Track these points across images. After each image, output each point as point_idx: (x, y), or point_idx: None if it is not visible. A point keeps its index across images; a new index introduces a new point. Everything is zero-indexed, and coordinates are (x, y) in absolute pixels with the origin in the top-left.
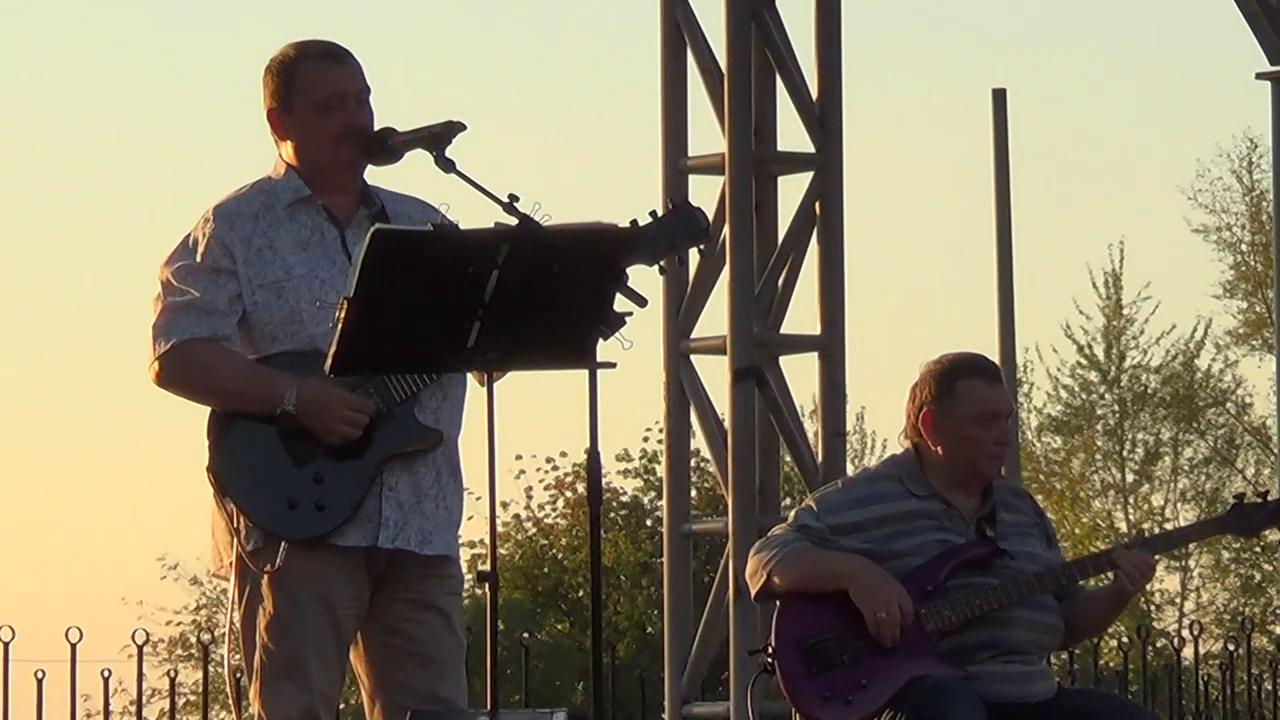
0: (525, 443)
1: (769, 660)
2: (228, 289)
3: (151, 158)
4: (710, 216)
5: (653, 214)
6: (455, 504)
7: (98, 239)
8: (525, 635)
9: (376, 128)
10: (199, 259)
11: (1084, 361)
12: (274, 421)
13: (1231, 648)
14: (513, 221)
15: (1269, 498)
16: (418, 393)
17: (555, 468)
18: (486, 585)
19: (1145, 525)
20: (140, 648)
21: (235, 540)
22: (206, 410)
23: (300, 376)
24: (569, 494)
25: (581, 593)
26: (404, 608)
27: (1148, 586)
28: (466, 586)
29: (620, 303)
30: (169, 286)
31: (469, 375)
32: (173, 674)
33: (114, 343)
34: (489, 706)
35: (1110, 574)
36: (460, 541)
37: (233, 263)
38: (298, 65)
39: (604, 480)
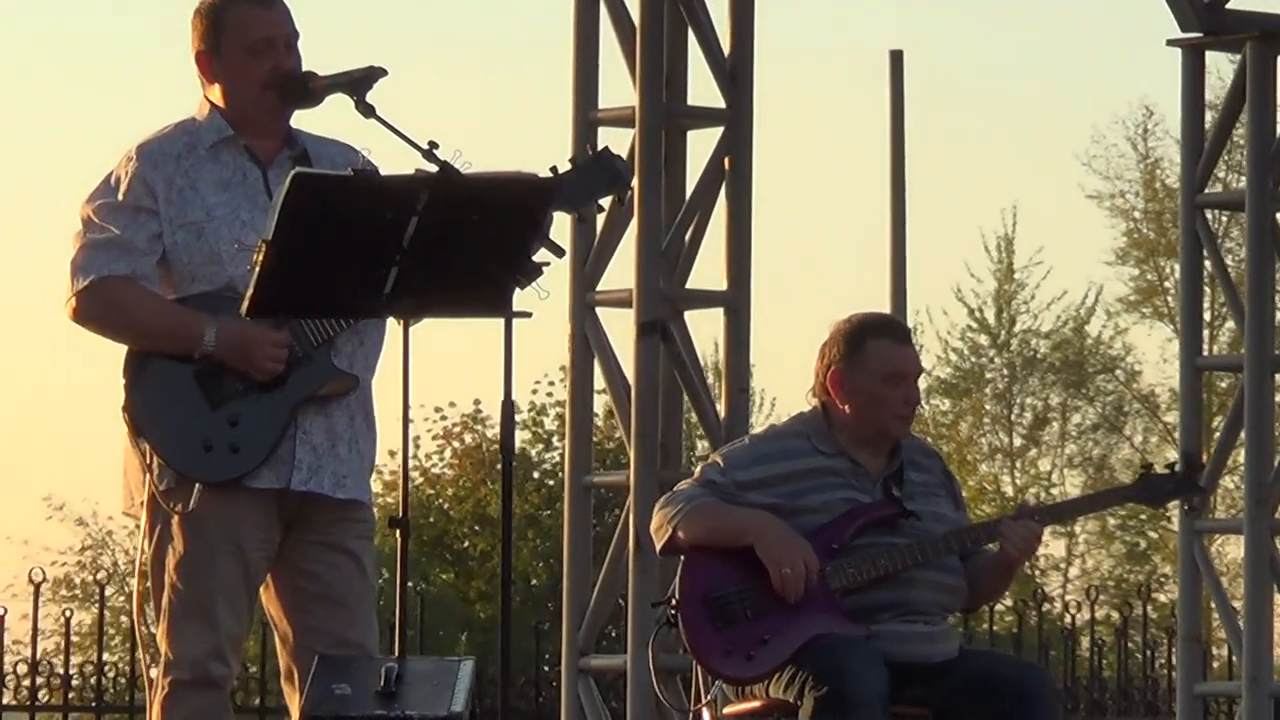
0: (413, 392)
1: (672, 613)
2: (148, 228)
3: (71, 93)
4: None
5: (572, 161)
6: (368, 449)
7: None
8: (421, 585)
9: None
10: (121, 197)
11: (974, 325)
12: (192, 362)
13: (1122, 615)
14: (433, 169)
15: (1175, 469)
16: (333, 337)
17: (444, 418)
18: (398, 532)
19: (1032, 490)
20: (37, 586)
21: (148, 479)
22: (113, 349)
23: (217, 317)
24: (456, 444)
25: (467, 543)
26: (315, 550)
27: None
28: None
29: (538, 253)
30: (89, 223)
31: (388, 321)
32: (67, 614)
33: None
34: (395, 653)
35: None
36: None
37: (154, 202)
38: (227, 9)
39: (494, 431)
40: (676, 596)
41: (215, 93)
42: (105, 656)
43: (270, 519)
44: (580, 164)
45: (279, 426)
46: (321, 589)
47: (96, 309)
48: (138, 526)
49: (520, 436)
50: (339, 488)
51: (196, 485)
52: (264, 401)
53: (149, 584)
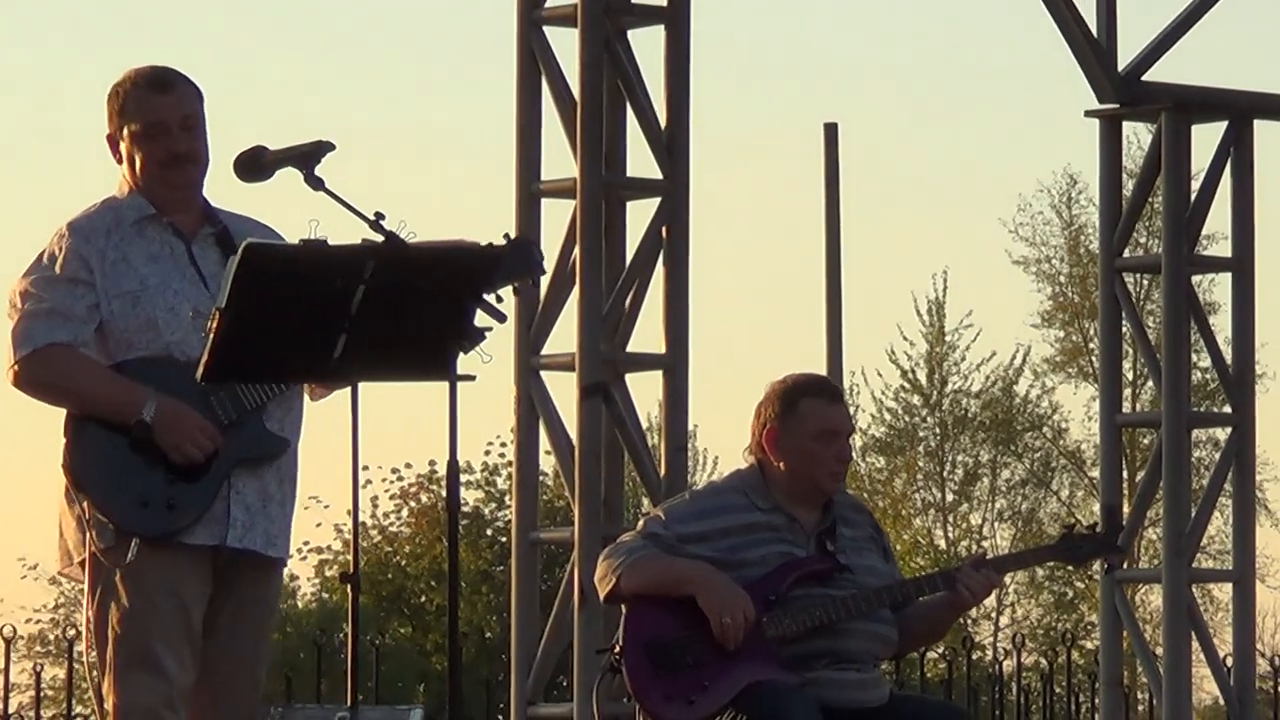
0: (370, 454)
1: (615, 659)
2: (86, 299)
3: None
4: (561, 239)
5: (505, 236)
6: (291, 509)
7: None
8: (377, 638)
9: (249, 146)
10: (58, 270)
11: (907, 385)
12: (126, 431)
13: (1048, 661)
14: (378, 238)
15: (1096, 529)
16: (265, 403)
17: (400, 478)
18: (348, 588)
19: (963, 543)
20: (8, 642)
21: (87, 537)
22: (63, 413)
23: (155, 390)
24: (413, 504)
25: (424, 598)
26: (230, 608)
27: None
28: (314, 592)
29: (480, 318)
30: (27, 295)
31: (304, 389)
32: (37, 668)
33: None
34: (349, 703)
35: (945, 590)
36: (309, 547)
37: (90, 274)
38: (128, 92)
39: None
40: (620, 644)
41: (127, 171)
42: (76, 708)
43: (206, 573)
44: (499, 249)
45: (213, 486)
46: (229, 650)
47: (39, 374)
48: (73, 585)
49: (474, 495)
50: (270, 546)
51: (134, 540)
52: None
53: (94, 641)
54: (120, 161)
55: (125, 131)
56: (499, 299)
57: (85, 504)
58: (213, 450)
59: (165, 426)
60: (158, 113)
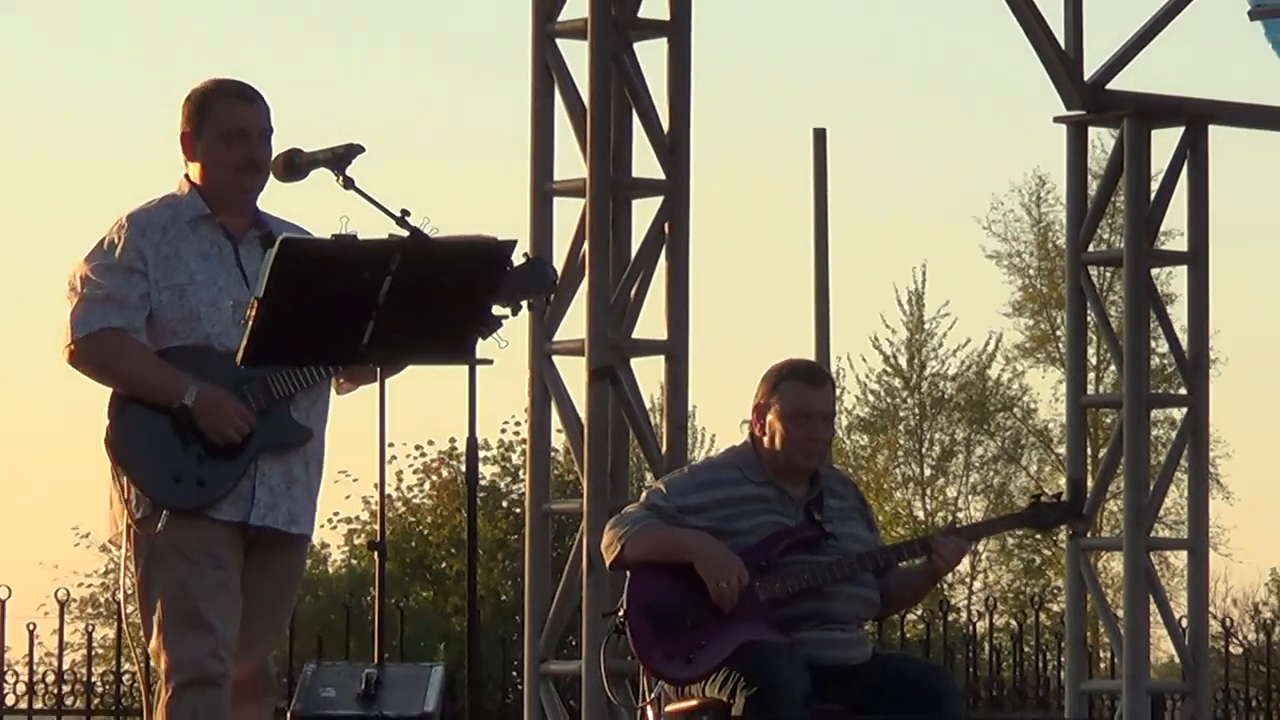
0: (395, 432)
1: (620, 622)
2: (139, 287)
3: (68, 170)
4: (571, 235)
5: (525, 255)
6: (317, 491)
7: (22, 241)
8: (402, 601)
9: (286, 149)
10: (116, 258)
11: (889, 370)
12: (168, 411)
13: (1018, 622)
14: (404, 233)
15: (1061, 499)
16: (294, 394)
17: (423, 454)
18: (375, 555)
19: (940, 514)
20: (62, 605)
21: (126, 509)
22: (109, 391)
23: (198, 378)
24: (435, 478)
25: (445, 565)
26: (253, 575)
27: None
28: (343, 558)
29: (497, 308)
30: (87, 280)
31: (331, 384)
32: (89, 629)
33: (31, 340)
34: (376, 660)
35: (922, 557)
36: (339, 518)
37: (144, 265)
38: (214, 98)
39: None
40: (624, 607)
41: (194, 170)
42: (124, 666)
43: (237, 543)
44: (517, 267)
45: (241, 467)
46: (258, 608)
47: (94, 356)
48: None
49: (490, 470)
50: (292, 523)
51: (165, 512)
52: (229, 447)
53: (138, 605)
54: (190, 158)
55: (205, 133)
56: (516, 310)
57: (124, 478)
58: (248, 431)
59: (205, 411)
60: (242, 120)
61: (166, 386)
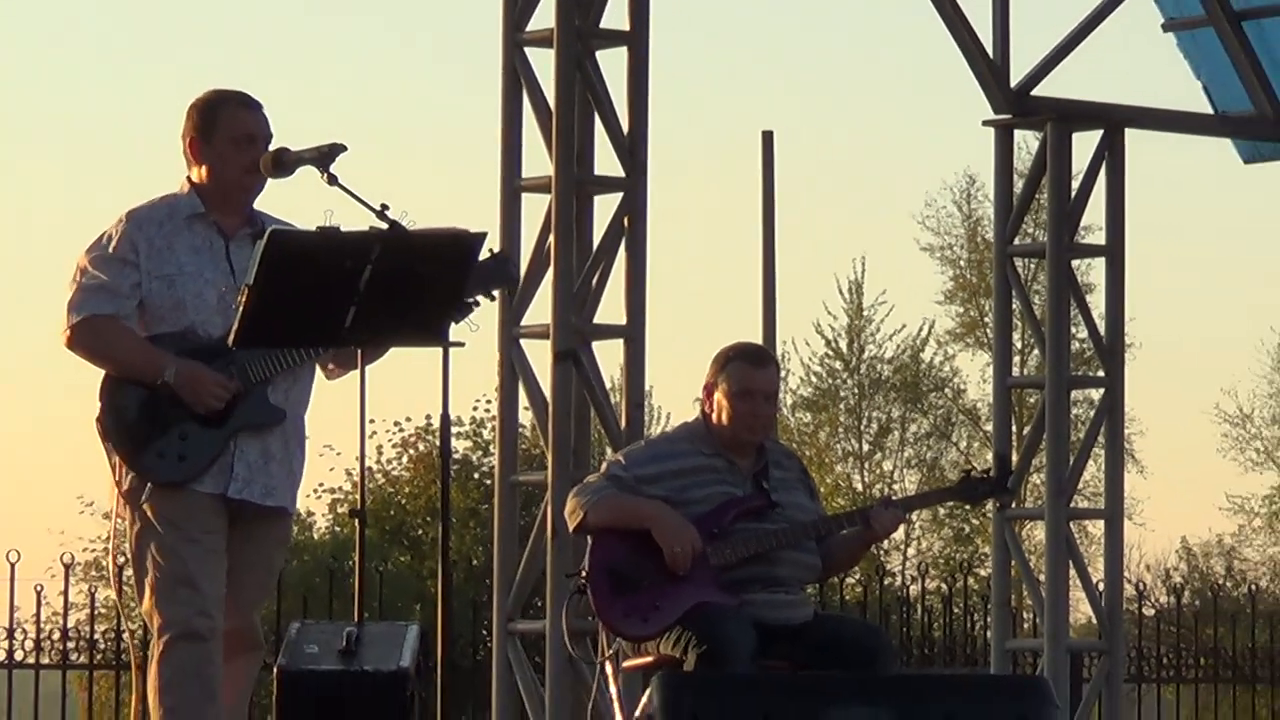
0: (375, 409)
1: (582, 583)
2: (131, 277)
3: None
4: (538, 228)
5: (490, 251)
6: (298, 467)
7: (27, 233)
8: (381, 565)
9: (275, 148)
10: (111, 250)
11: (830, 353)
12: (153, 390)
13: (948, 586)
14: (383, 226)
15: (989, 473)
16: (270, 378)
17: (401, 430)
18: (356, 522)
19: (877, 487)
20: (67, 568)
21: (115, 481)
22: (102, 374)
23: (178, 357)
24: (412, 451)
25: (421, 531)
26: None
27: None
28: (327, 525)
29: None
30: (85, 271)
31: (315, 368)
32: (92, 590)
33: (41, 327)
34: (356, 619)
35: (860, 526)
36: (323, 488)
37: (137, 257)
38: (221, 106)
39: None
40: (586, 570)
41: (198, 173)
42: (124, 625)
43: (221, 511)
44: (483, 262)
45: (220, 444)
46: (243, 570)
47: (85, 339)
48: (120, 520)
49: (463, 444)
50: (268, 496)
51: (148, 484)
52: (211, 425)
53: (132, 569)
54: (197, 162)
55: (216, 138)
56: (479, 301)
57: (114, 456)
58: (230, 397)
59: (184, 384)
60: (250, 127)
61: (149, 365)
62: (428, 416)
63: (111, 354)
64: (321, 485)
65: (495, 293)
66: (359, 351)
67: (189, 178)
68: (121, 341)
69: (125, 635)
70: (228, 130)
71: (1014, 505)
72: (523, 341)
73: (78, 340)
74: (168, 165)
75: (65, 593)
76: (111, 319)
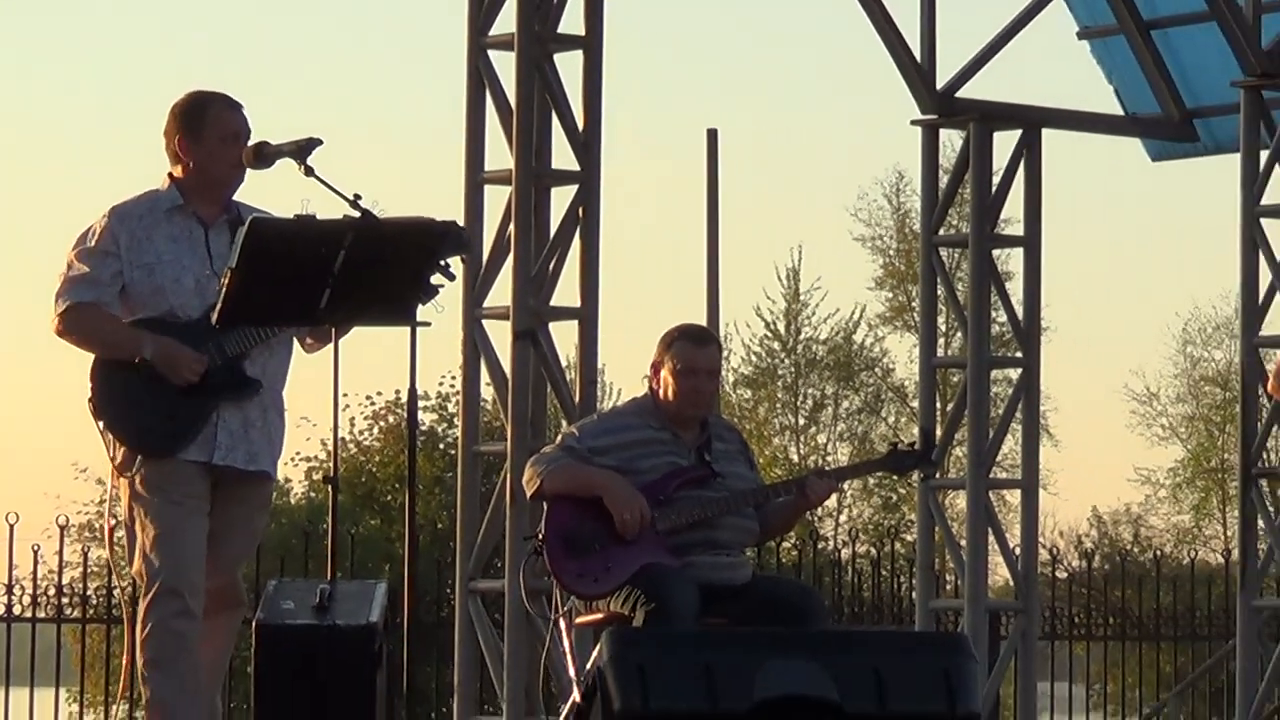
0: (349, 384)
1: (538, 545)
2: (112, 267)
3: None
4: (499, 217)
5: (450, 223)
6: (277, 435)
7: (28, 228)
8: (352, 529)
9: (256, 141)
10: (94, 244)
11: (769, 334)
12: (136, 368)
13: (877, 550)
14: (356, 215)
15: (915, 446)
16: (246, 352)
17: (372, 403)
18: (330, 488)
19: (812, 458)
20: (63, 529)
21: (109, 454)
22: (91, 358)
23: (156, 336)
24: (382, 423)
25: (390, 498)
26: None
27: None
28: (303, 491)
29: (435, 278)
30: (71, 264)
31: (294, 340)
32: (86, 550)
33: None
34: (329, 578)
35: (795, 494)
36: (300, 457)
37: (117, 248)
38: (209, 106)
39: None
40: (542, 533)
41: (180, 169)
42: (115, 582)
43: (204, 479)
44: (445, 225)
45: (201, 416)
46: (227, 531)
47: (71, 325)
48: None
49: (429, 417)
50: (250, 462)
51: (137, 456)
52: (191, 398)
53: (125, 534)
54: (183, 159)
55: (205, 135)
56: (444, 284)
57: (107, 433)
58: (203, 371)
59: (162, 360)
60: (236, 125)
61: (129, 344)
62: (397, 391)
63: (95, 336)
64: (299, 454)
65: (458, 274)
66: (333, 328)
67: (170, 173)
68: (103, 325)
69: (116, 591)
70: (216, 129)
71: (938, 476)
72: (485, 322)
73: (65, 326)
74: (121, 163)
75: (60, 552)
76: (94, 305)
